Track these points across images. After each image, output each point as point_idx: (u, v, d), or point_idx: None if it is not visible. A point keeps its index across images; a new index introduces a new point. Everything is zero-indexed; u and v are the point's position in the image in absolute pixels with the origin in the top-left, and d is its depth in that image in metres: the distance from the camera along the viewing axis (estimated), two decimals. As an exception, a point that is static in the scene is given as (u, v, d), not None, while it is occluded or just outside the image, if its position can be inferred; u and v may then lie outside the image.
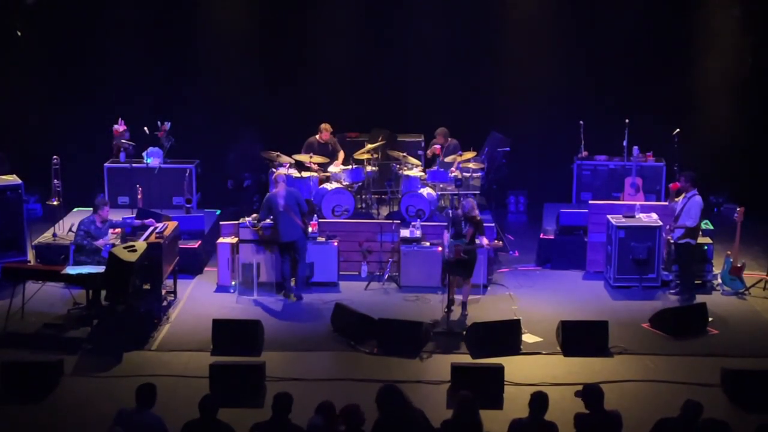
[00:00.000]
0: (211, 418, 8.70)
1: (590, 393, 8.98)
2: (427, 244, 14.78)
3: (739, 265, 14.36)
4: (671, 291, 14.39)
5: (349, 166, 16.33)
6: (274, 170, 16.44)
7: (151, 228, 13.65)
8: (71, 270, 13.20)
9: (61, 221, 15.64)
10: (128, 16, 18.61)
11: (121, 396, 10.61)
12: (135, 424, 8.73)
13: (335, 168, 16.41)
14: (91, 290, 13.04)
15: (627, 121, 16.63)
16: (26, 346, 12.48)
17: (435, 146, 16.89)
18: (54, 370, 11.49)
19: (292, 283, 14.23)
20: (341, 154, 16.87)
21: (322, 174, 16.55)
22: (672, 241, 14.37)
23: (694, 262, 14.38)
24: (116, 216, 15.11)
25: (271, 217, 14.21)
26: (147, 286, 13.10)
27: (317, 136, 16.80)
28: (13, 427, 10.49)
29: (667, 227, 14.44)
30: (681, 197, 14.21)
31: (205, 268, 15.41)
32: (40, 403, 10.99)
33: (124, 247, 12.76)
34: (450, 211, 15.75)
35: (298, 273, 14.14)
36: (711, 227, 15.64)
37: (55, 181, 15.47)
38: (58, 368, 11.58)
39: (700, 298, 13.96)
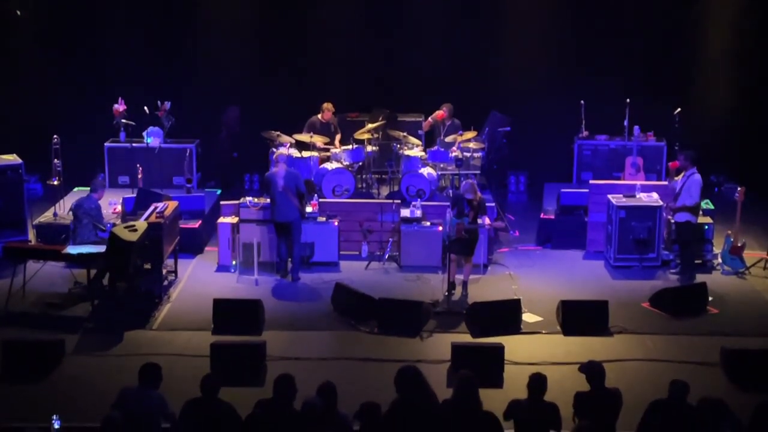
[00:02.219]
0: (212, 397, 8.74)
1: (592, 369, 9.05)
2: (428, 223, 14.76)
3: (739, 245, 14.37)
4: (671, 270, 14.39)
5: (350, 146, 16.32)
6: (274, 150, 16.45)
7: (152, 207, 13.65)
8: (72, 249, 13.19)
9: (61, 201, 15.63)
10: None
11: (122, 375, 10.66)
12: (137, 402, 8.77)
13: (318, 141, 16.41)
14: (92, 269, 13.05)
15: (628, 100, 16.58)
16: (27, 325, 12.49)
17: (438, 113, 16.86)
18: (55, 349, 11.52)
19: (289, 264, 14.24)
20: (338, 136, 16.88)
21: (322, 154, 16.55)
22: (672, 221, 14.37)
23: (694, 241, 14.39)
24: (117, 196, 15.28)
25: (267, 195, 14.23)
26: (148, 266, 13.09)
27: (319, 116, 16.80)
28: (14, 406, 10.51)
29: (665, 206, 14.44)
30: (680, 176, 14.20)
31: (206, 248, 15.40)
32: (41, 382, 11.02)
33: (125, 227, 12.76)
34: (451, 191, 15.80)
35: (294, 254, 14.13)
36: (712, 207, 15.64)
37: (56, 161, 15.46)
38: (60, 347, 11.61)
39: (700, 278, 13.96)
